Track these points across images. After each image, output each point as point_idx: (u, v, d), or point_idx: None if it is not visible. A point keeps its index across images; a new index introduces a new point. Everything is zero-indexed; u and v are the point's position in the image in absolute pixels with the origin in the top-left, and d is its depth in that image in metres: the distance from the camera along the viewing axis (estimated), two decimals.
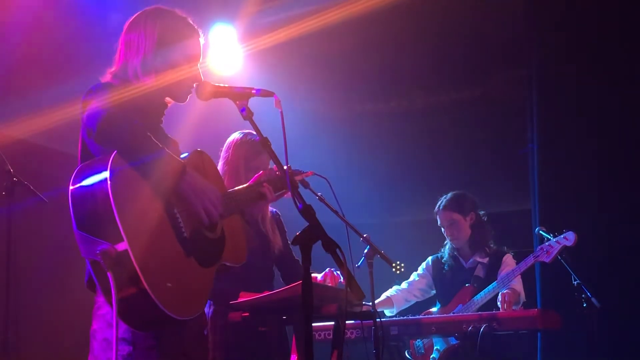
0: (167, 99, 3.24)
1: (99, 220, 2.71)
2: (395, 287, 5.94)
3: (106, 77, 3.14)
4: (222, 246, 3.11)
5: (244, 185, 3.58)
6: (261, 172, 3.80)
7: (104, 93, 2.93)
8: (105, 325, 2.94)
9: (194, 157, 3.15)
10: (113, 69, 3.17)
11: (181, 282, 2.85)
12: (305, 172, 4.06)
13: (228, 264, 3.15)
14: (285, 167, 2.93)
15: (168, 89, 3.16)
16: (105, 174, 2.70)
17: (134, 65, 3.12)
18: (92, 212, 2.73)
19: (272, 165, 4.35)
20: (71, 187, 2.79)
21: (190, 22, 3.24)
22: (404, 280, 5.99)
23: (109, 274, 2.66)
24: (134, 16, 3.22)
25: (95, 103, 2.86)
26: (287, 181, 2.80)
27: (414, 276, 6.00)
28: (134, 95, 3.04)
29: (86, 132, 2.94)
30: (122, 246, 2.65)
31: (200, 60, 3.24)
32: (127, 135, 2.81)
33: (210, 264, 3.03)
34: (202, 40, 3.26)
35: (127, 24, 3.22)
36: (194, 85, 3.18)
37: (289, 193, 3.44)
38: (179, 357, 3.00)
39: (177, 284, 2.82)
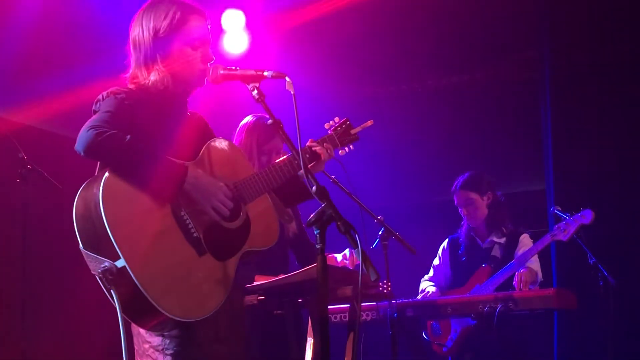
0: None
1: (98, 240, 2.79)
2: (427, 284, 5.90)
3: (122, 83, 3.15)
4: (245, 234, 3.11)
5: (275, 163, 3.40)
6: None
7: (105, 105, 2.98)
8: None
9: (204, 152, 3.14)
10: (128, 74, 3.19)
11: (192, 284, 2.90)
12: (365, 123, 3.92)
13: (255, 249, 3.15)
14: (298, 149, 2.91)
15: (178, 76, 3.13)
16: (98, 194, 2.77)
17: (138, 64, 3.14)
18: (92, 232, 2.81)
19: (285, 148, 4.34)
20: (74, 208, 2.87)
21: (189, 4, 3.20)
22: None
23: (112, 291, 2.75)
24: (134, 17, 3.22)
25: (90, 122, 2.90)
26: (301, 163, 2.79)
27: (435, 261, 5.98)
28: (136, 97, 3.05)
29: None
30: (120, 263, 2.73)
31: (208, 40, 3.20)
32: (116, 156, 2.86)
33: (230, 256, 3.05)
34: (205, 21, 3.21)
35: (130, 26, 3.22)
36: (209, 65, 3.16)
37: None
38: (212, 344, 3.04)
39: (187, 287, 2.88)
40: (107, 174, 2.82)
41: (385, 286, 4.67)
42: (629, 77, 6.06)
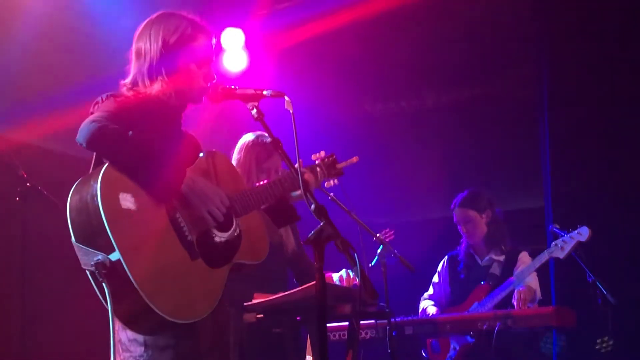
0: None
1: (92, 232, 2.78)
2: (427, 302, 5.89)
3: (120, 90, 3.16)
4: (236, 245, 3.11)
5: (265, 182, 3.49)
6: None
7: (104, 105, 2.99)
8: (121, 327, 2.98)
9: (201, 160, 3.16)
10: (126, 81, 3.19)
11: (184, 286, 2.89)
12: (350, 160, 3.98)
13: (244, 262, 3.15)
14: (297, 168, 2.93)
15: (180, 91, 3.15)
16: (96, 187, 2.76)
17: (141, 73, 3.15)
18: (87, 225, 2.80)
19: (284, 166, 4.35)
20: (68, 201, 2.86)
21: (198, 22, 3.22)
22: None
23: (104, 285, 2.73)
24: (141, 25, 3.23)
25: (92, 116, 2.91)
26: (300, 181, 2.80)
27: (435, 278, 5.98)
28: (136, 103, 3.06)
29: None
30: (115, 256, 2.72)
31: (212, 59, 3.23)
32: (117, 150, 2.86)
33: (221, 264, 3.05)
34: (211, 40, 3.24)
35: (135, 34, 3.23)
36: (209, 84, 3.18)
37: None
38: (194, 356, 3.02)
39: (179, 288, 2.87)
40: (105, 167, 2.81)
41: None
42: (628, 96, 6.06)
